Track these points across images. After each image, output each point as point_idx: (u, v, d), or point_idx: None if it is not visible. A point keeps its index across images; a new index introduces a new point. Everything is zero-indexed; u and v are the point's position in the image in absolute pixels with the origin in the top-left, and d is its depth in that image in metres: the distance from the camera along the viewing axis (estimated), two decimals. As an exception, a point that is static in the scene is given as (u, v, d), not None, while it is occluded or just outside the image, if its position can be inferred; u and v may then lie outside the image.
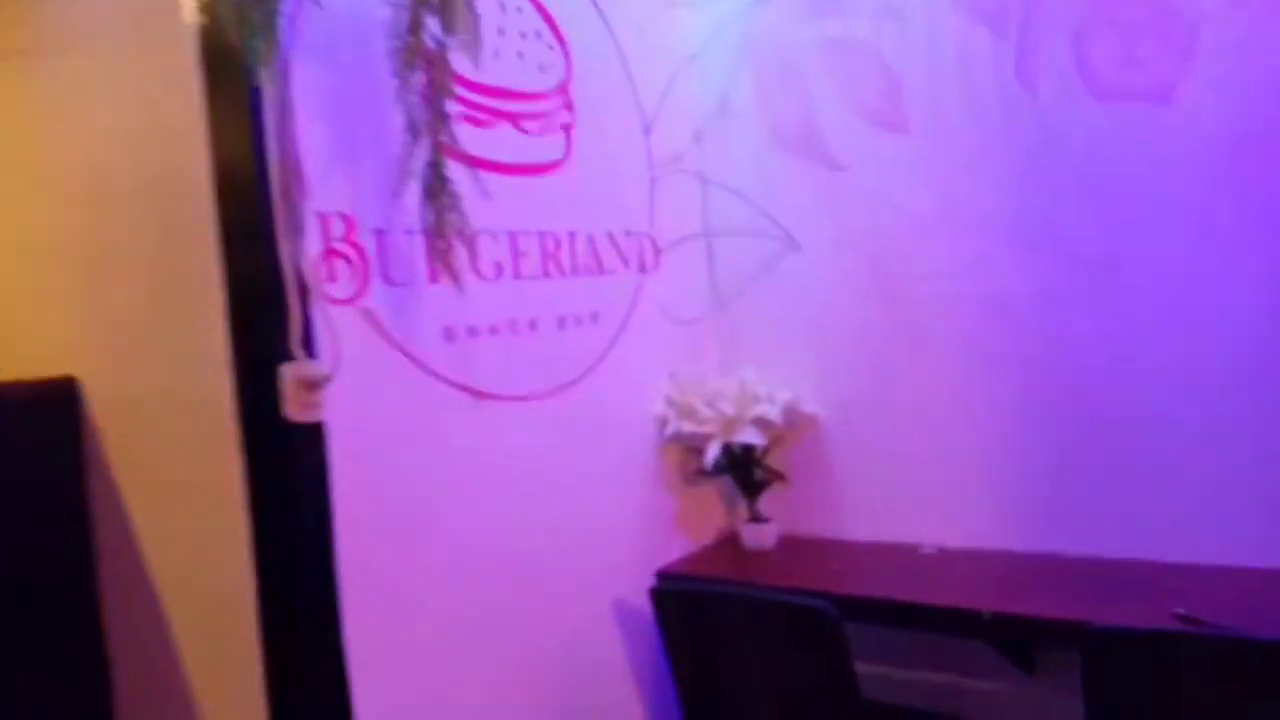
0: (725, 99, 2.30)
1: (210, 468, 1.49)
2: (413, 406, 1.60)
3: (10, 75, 1.69)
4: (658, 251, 2.21)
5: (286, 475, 1.43)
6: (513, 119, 1.79)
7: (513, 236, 1.80)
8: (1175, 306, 1.82)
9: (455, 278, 1.59)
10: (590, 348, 2.00)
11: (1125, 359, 1.87)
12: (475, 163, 1.66)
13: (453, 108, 1.56)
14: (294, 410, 1.41)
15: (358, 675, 1.47)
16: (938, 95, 2.02)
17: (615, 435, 2.06)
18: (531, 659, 1.79)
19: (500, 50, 1.77)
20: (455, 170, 1.52)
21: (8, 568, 1.54)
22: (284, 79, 1.39)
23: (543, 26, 1.90)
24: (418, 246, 1.59)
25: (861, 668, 1.64)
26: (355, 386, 1.50)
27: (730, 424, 2.10)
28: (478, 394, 1.72)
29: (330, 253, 1.48)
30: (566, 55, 1.94)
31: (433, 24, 1.43)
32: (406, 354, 1.59)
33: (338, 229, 1.49)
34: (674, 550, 2.19)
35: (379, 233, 1.55)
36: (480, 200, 1.67)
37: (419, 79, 1.37)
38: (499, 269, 1.77)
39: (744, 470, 2.20)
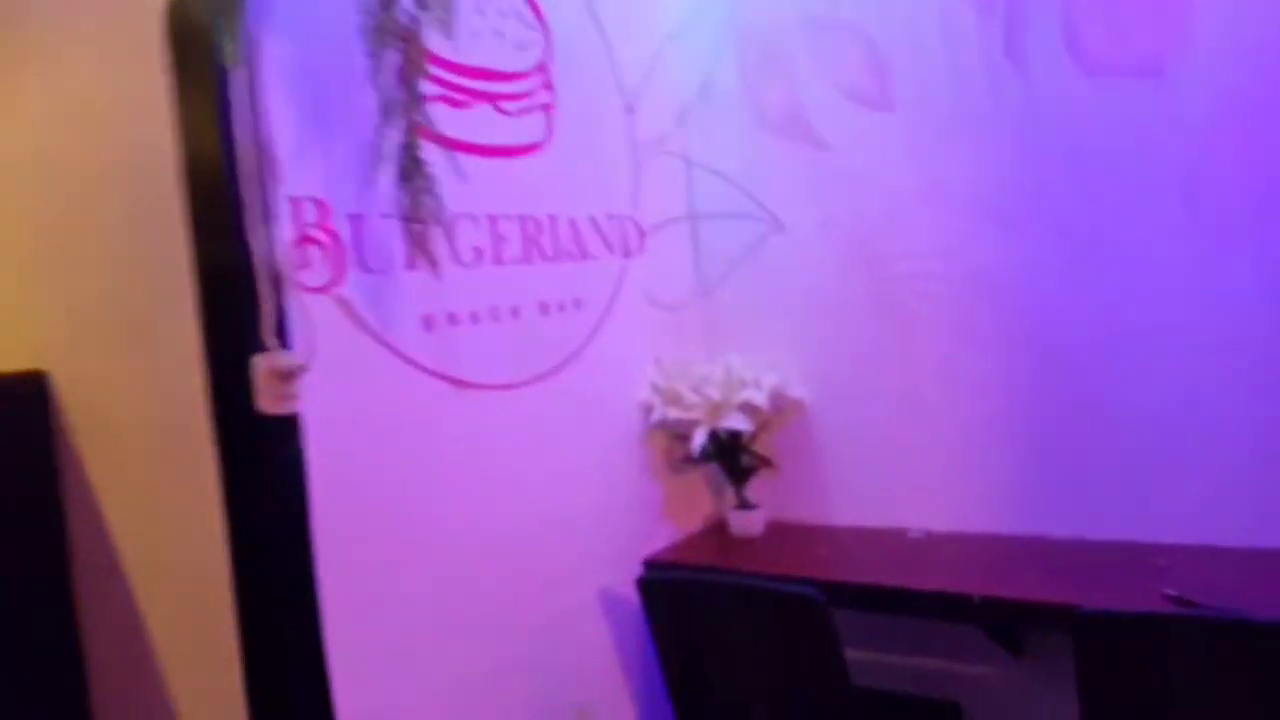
0: (709, 79, 2.26)
1: (183, 463, 1.45)
2: (392, 397, 1.56)
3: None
4: (642, 235, 2.17)
5: (261, 469, 1.40)
6: (491, 99, 1.74)
7: (493, 220, 1.76)
8: (1163, 284, 1.80)
9: (433, 264, 1.55)
10: (574, 334, 1.96)
11: (1112, 338, 1.86)
12: (452, 144, 1.62)
13: (428, 88, 1.52)
14: (268, 402, 1.37)
15: (338, 671, 1.43)
16: (923, 73, 1.99)
17: (600, 423, 2.03)
18: (518, 651, 1.76)
19: (478, 29, 1.72)
20: (431, 152, 1.48)
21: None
22: (253, 58, 1.34)
23: (521, 5, 1.85)
24: (395, 232, 1.55)
25: (850, 654, 1.62)
26: (331, 377, 1.46)
27: (716, 410, 2.08)
28: (459, 383, 1.68)
29: (303, 239, 1.44)
30: (546, 34, 1.90)
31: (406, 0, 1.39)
32: (384, 343, 1.55)
33: (311, 214, 1.45)
34: (661, 538, 2.17)
35: (354, 218, 1.50)
36: (458, 183, 1.63)
37: (392, 57, 1.33)
38: (479, 254, 1.73)
39: (731, 456, 2.18)
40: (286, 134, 1.40)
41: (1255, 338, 1.73)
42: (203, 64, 1.34)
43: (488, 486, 1.72)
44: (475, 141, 1.70)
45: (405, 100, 1.33)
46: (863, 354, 2.14)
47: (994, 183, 1.94)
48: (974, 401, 2.01)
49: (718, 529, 2.28)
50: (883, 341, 2.11)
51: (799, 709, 1.71)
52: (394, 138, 1.38)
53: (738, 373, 2.13)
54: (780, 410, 2.19)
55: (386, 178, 1.44)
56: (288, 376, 1.38)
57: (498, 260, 1.77)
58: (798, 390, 2.19)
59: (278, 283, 1.37)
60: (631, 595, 1.86)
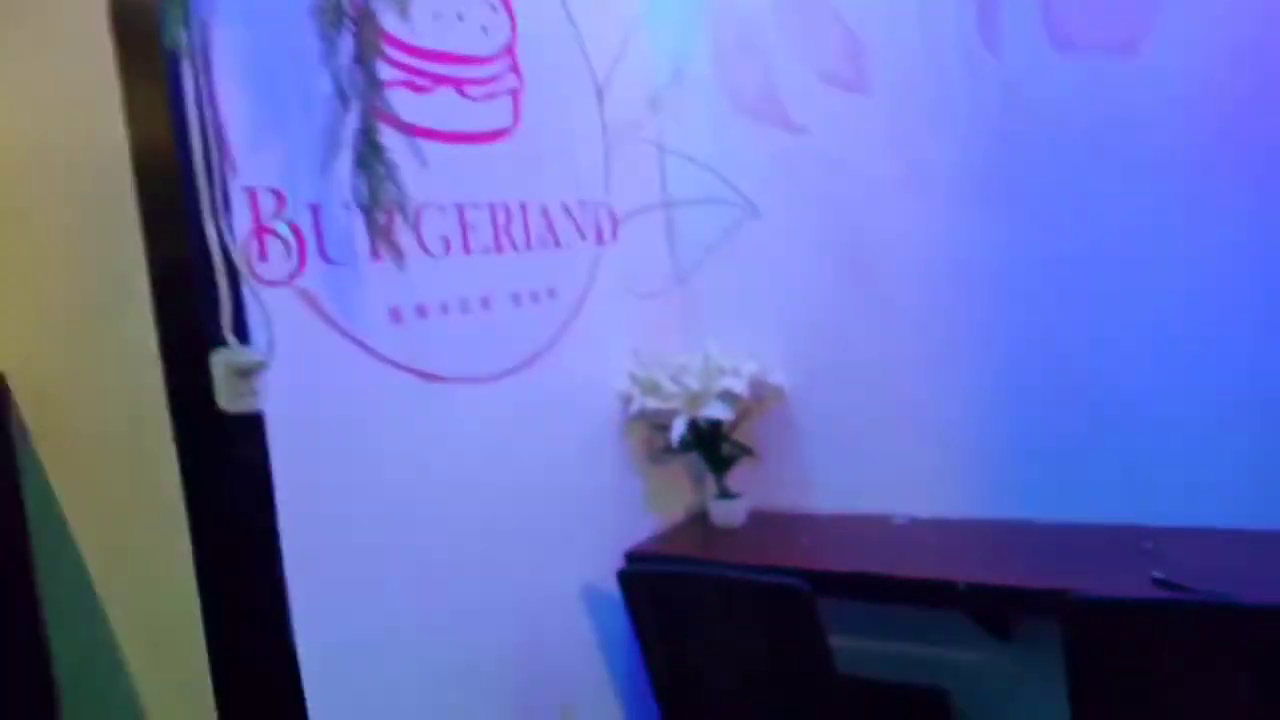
0: (681, 62, 2.22)
1: (144, 464, 1.41)
2: (358, 392, 1.52)
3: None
4: (615, 222, 2.12)
5: (223, 470, 1.35)
6: (455, 84, 1.69)
7: (460, 209, 1.71)
8: (1145, 266, 1.78)
9: (398, 254, 1.51)
10: (548, 325, 1.92)
11: (1097, 321, 1.83)
12: (415, 131, 1.57)
13: (387, 72, 1.47)
14: (227, 400, 1.33)
15: (310, 672, 1.39)
16: (899, 55, 1.95)
17: (577, 415, 1.99)
18: (496, 648, 1.73)
19: (440, 11, 1.67)
20: (392, 139, 1.43)
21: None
22: (203, 43, 1.29)
23: (486, -14, 1.80)
24: (357, 222, 1.50)
25: (836, 641, 1.59)
26: (294, 373, 1.41)
27: (695, 399, 2.04)
28: (429, 377, 1.64)
29: (261, 230, 1.39)
30: (511, 16, 1.84)
31: (360, -20, 1.34)
32: (350, 337, 1.51)
33: (269, 205, 1.40)
34: (643, 530, 2.13)
35: (314, 208, 1.45)
36: (423, 171, 1.58)
37: (346, 40, 1.27)
38: (447, 244, 1.68)
39: (711, 446, 2.14)
40: (240, 122, 1.35)
41: (1241, 320, 1.70)
42: (150, 50, 1.28)
43: (462, 482, 1.68)
44: (440, 128, 1.65)
45: (361, 84, 1.28)
46: (843, 339, 2.11)
47: (972, 165, 1.91)
48: (958, 386, 1.99)
49: (700, 519, 2.24)
50: (863, 326, 2.08)
51: (785, 700, 1.68)
52: (351, 124, 1.33)
53: (716, 361, 2.09)
54: (760, 398, 2.16)
55: (344, 166, 1.39)
56: (247, 373, 1.34)
57: (467, 250, 1.72)
58: (778, 377, 2.16)
59: (235, 276, 1.32)
60: (614, 588, 1.82)
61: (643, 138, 2.20)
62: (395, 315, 1.58)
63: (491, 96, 1.78)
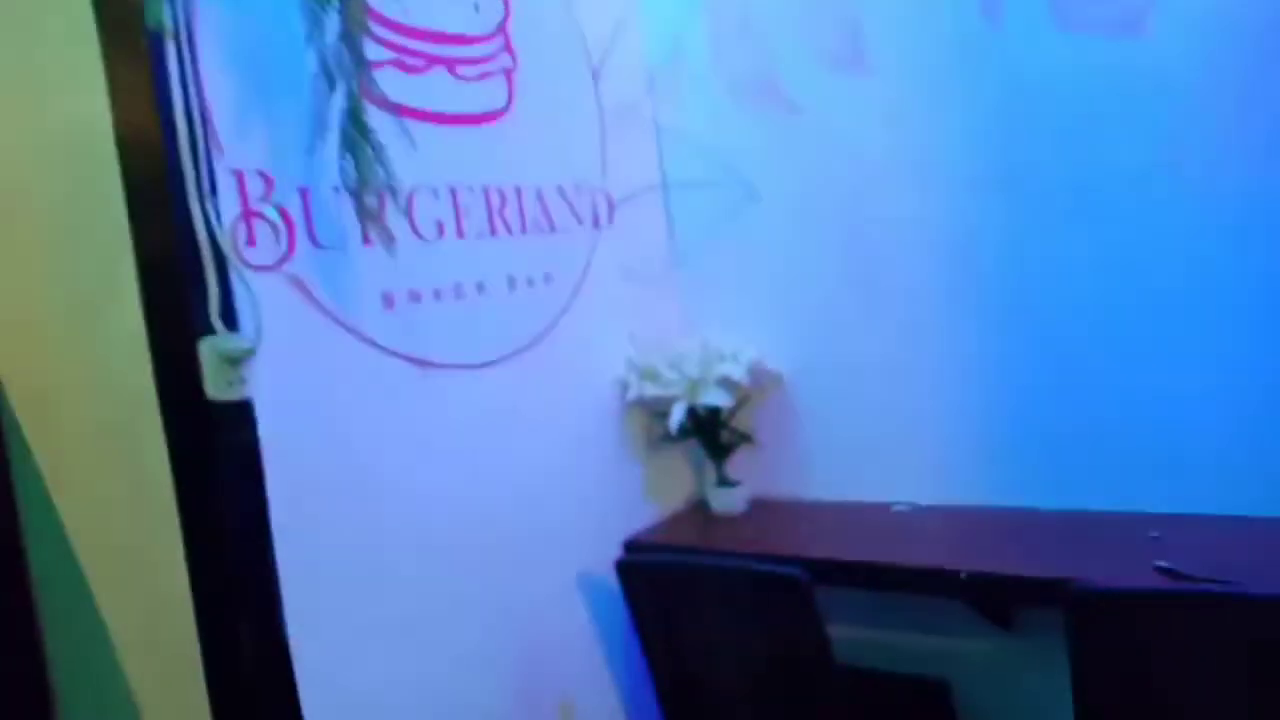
0: (678, 42, 2.18)
1: (134, 455, 1.38)
2: (350, 379, 1.50)
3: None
4: (611, 206, 2.09)
5: (213, 459, 1.33)
6: (447, 64, 1.66)
7: (453, 192, 1.68)
8: (1150, 248, 1.74)
9: (389, 238, 1.48)
10: (544, 310, 1.89)
11: (1100, 305, 1.79)
12: (406, 112, 1.54)
13: (377, 51, 1.44)
14: (216, 389, 1.30)
15: (303, 666, 1.38)
16: (899, 33, 1.91)
17: (574, 402, 1.96)
18: (493, 638, 1.71)
19: (431, -10, 1.64)
20: (383, 120, 1.40)
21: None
22: (187, 22, 1.25)
23: (478, -35, 1.77)
24: (347, 205, 1.47)
25: (836, 630, 1.57)
26: (285, 360, 1.39)
27: (694, 386, 2.02)
28: (422, 363, 1.61)
29: (249, 214, 1.36)
30: (505, -4, 1.81)
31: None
32: (340, 323, 1.48)
33: (257, 188, 1.37)
34: (642, 518, 2.11)
35: (304, 191, 1.43)
36: (414, 153, 1.55)
37: (332, 17, 1.24)
38: (440, 228, 1.65)
39: (710, 433, 2.12)
40: (226, 103, 1.33)
41: (1246, 304, 1.67)
42: (133, 31, 1.25)
43: (457, 470, 1.66)
44: (431, 109, 1.62)
45: (347, 63, 1.25)
46: (844, 325, 2.08)
47: (974, 146, 1.87)
48: (959, 372, 1.95)
49: (700, 508, 2.22)
50: (864, 312, 2.05)
51: (784, 689, 1.67)
52: (337, 104, 1.30)
53: (715, 347, 2.06)
54: (760, 384, 2.14)
55: (333, 147, 1.35)
56: (236, 361, 1.31)
57: (460, 234, 1.69)
58: (777, 363, 2.13)
59: (222, 262, 1.30)
60: (613, 578, 1.80)
61: (639, 119, 2.17)
62: (387, 301, 1.56)
63: (484, 77, 1.74)
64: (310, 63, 1.30)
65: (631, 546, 2.02)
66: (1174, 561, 1.50)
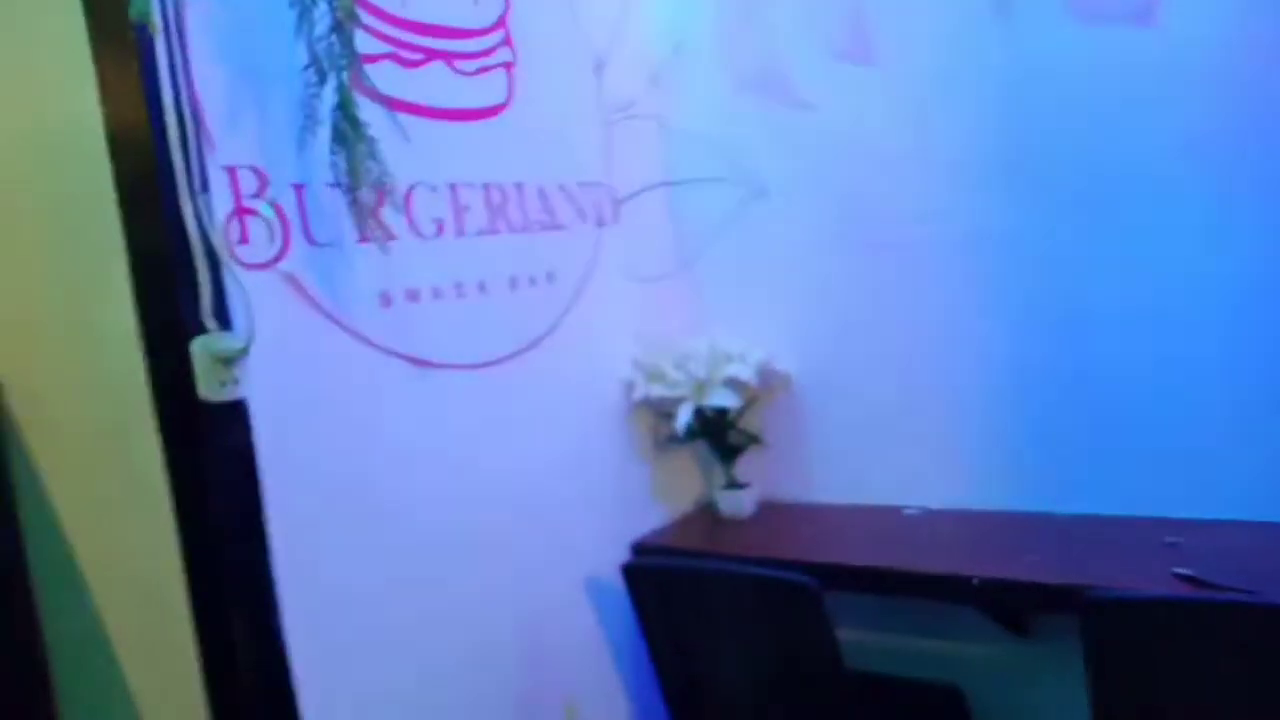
0: (682, 35, 2.14)
1: (129, 456, 1.36)
2: (347, 379, 1.47)
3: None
4: (616, 203, 2.06)
5: (206, 461, 1.30)
6: (445, 58, 1.63)
7: (453, 189, 1.65)
8: (1167, 242, 1.69)
9: (386, 236, 1.45)
10: (547, 309, 1.86)
11: (1116, 304, 1.75)
12: (403, 107, 1.52)
13: (373, 45, 1.41)
14: (208, 389, 1.28)
15: (301, 670, 1.35)
16: (907, 25, 1.87)
17: (579, 403, 1.93)
18: (497, 641, 1.68)
19: (429, -17, 1.61)
20: (376, 114, 1.37)
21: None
22: (176, 14, 1.23)
23: (478, -43, 1.73)
24: (343, 202, 1.44)
25: (846, 635, 1.54)
26: (280, 360, 1.37)
27: (701, 386, 1.98)
28: (421, 363, 1.58)
29: (242, 211, 1.33)
30: (505, -12, 1.78)
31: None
32: (337, 322, 1.45)
33: (250, 184, 1.34)
34: (649, 521, 2.07)
35: (299, 187, 1.40)
36: (411, 149, 1.52)
37: (322, 9, 1.21)
38: (439, 226, 1.62)
39: (718, 434, 2.08)
40: (218, 97, 1.30)
41: (1265, 302, 1.62)
42: (122, 25, 1.23)
43: (458, 471, 1.63)
44: (429, 104, 1.59)
45: (338, 56, 1.22)
46: (854, 324, 2.03)
47: (985, 139, 1.82)
48: (972, 372, 1.91)
49: (708, 510, 2.18)
50: (874, 311, 2.00)
51: (793, 696, 1.63)
52: (329, 98, 1.27)
53: (722, 347, 2.03)
54: (768, 385, 2.10)
55: (323, 142, 1.32)
56: (229, 361, 1.29)
57: (460, 232, 1.66)
58: (786, 364, 2.09)
59: (214, 260, 1.27)
60: (619, 581, 1.76)
61: (644, 115, 2.13)
62: (385, 299, 1.53)
63: (484, 71, 1.71)
64: (300, 55, 1.27)
65: (639, 549, 1.99)
66: (1194, 568, 1.45)
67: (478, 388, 1.68)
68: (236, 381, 1.30)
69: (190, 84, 1.25)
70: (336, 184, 1.38)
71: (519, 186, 1.79)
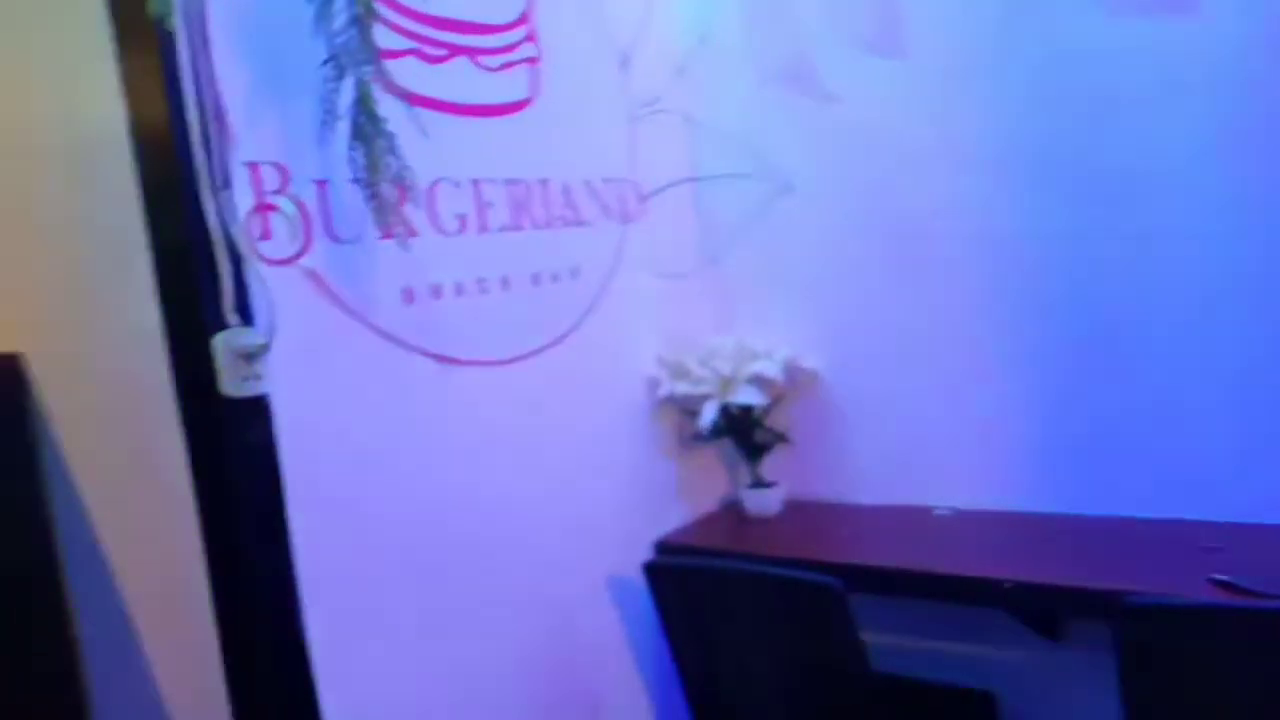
0: (708, 29, 2.12)
1: (153, 450, 1.36)
2: (370, 375, 1.46)
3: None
4: (641, 199, 2.04)
5: (228, 457, 1.30)
6: (468, 54, 1.62)
7: (476, 185, 1.64)
8: (1204, 237, 1.64)
9: (409, 232, 1.45)
10: (571, 306, 1.84)
11: (1151, 298, 1.70)
12: (425, 102, 1.51)
13: (395, 40, 1.41)
14: (231, 384, 1.28)
15: (324, 669, 1.35)
16: (937, 16, 1.83)
17: (602, 399, 1.91)
18: (519, 639, 1.67)
19: (452, -22, 1.60)
20: (400, 111, 1.36)
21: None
22: (198, 9, 1.23)
23: (501, -49, 1.72)
24: (385, 198, 1.43)
25: (876, 638, 1.51)
26: (302, 356, 1.36)
27: (727, 383, 1.96)
28: (444, 360, 1.57)
29: (264, 207, 1.33)
30: (529, -17, 1.77)
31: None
32: (359, 318, 1.45)
33: (272, 180, 1.34)
34: (673, 519, 2.06)
35: (321, 183, 1.40)
36: (435, 145, 1.52)
37: (339, 3, 1.21)
38: (462, 222, 1.62)
39: (744, 432, 2.06)
40: (239, 92, 1.30)
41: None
42: (145, 22, 1.23)
43: (480, 468, 1.62)
44: (453, 100, 1.59)
45: (356, 51, 1.21)
46: (882, 321, 2.00)
47: (1017, 134, 1.78)
48: (1003, 369, 1.87)
49: (733, 509, 2.16)
50: (903, 307, 1.97)
51: (818, 698, 1.60)
52: (347, 93, 1.26)
53: (748, 344, 2.00)
54: (795, 382, 2.07)
55: (344, 138, 1.32)
56: (251, 356, 1.29)
57: (483, 228, 1.65)
58: (813, 361, 2.06)
59: (236, 255, 1.27)
60: (643, 579, 1.75)
61: (669, 110, 2.11)
62: (408, 296, 1.52)
63: (508, 67, 1.70)
64: (321, 51, 1.27)
65: (662, 548, 1.97)
66: (1233, 575, 1.41)
67: (501, 384, 1.67)
68: (259, 377, 1.30)
69: (212, 80, 1.25)
70: (357, 180, 1.38)
71: (543, 182, 1.78)
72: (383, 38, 1.44)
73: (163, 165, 1.26)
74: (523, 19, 1.74)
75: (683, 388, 1.98)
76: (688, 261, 2.17)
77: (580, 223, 1.87)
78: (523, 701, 1.68)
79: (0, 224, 1.49)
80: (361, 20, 1.19)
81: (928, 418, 1.98)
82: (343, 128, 1.29)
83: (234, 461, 1.30)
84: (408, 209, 1.48)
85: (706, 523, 2.11)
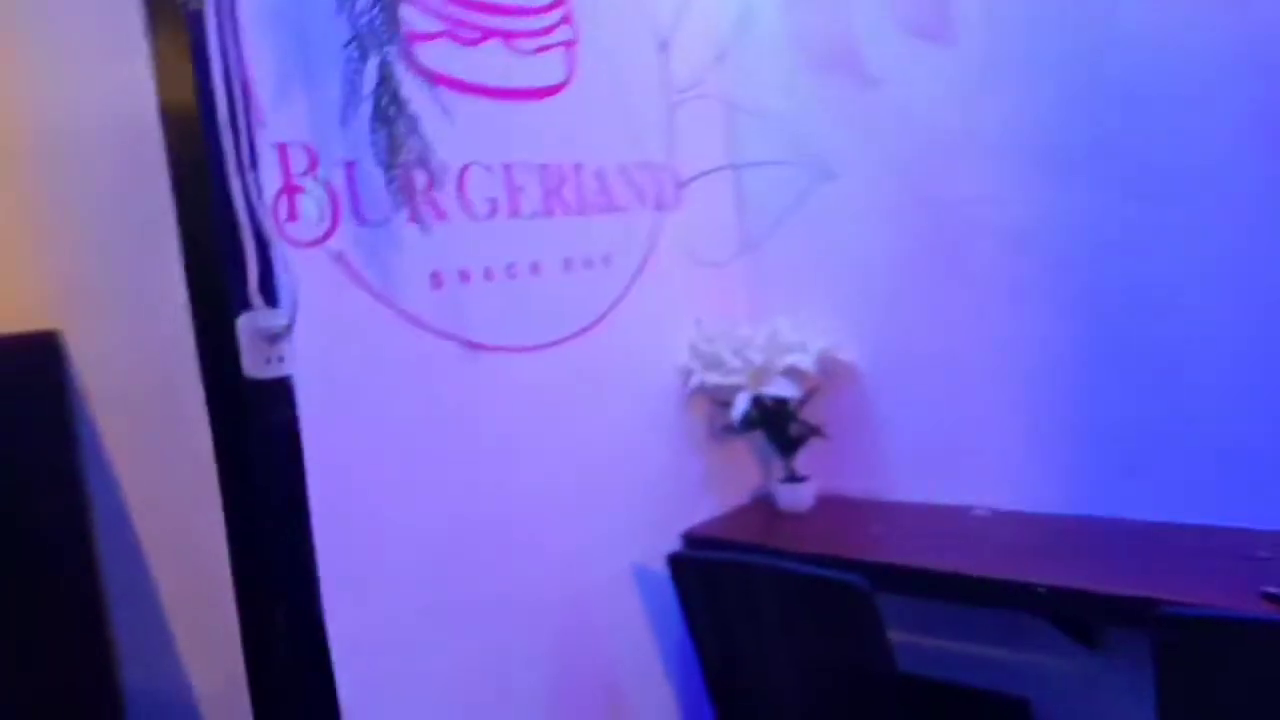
0: (749, 11, 2.07)
1: (180, 430, 1.37)
2: (395, 359, 1.46)
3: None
4: (678, 186, 2.00)
5: (250, 438, 1.31)
6: (503, 36, 1.60)
7: (508, 169, 1.62)
8: (1255, 232, 1.56)
9: (427, 215, 1.43)
10: (603, 293, 1.82)
11: (1203, 299, 1.62)
12: (457, 85, 1.50)
13: (427, 22, 1.39)
14: (253, 366, 1.28)
15: (339, 650, 1.35)
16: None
17: (633, 388, 1.89)
18: (543, 628, 1.67)
19: (486, -42, 1.58)
20: (426, 93, 1.35)
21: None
22: (227, -10, 1.23)
23: (537, -68, 1.70)
24: (405, 181, 1.42)
25: (907, 638, 1.48)
26: (327, 339, 1.36)
27: (759, 375, 1.92)
28: (471, 345, 1.57)
29: (291, 188, 1.33)
30: (565, -36, 1.74)
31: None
32: (385, 301, 1.45)
33: (300, 161, 1.34)
34: (702, 511, 2.03)
35: (349, 165, 1.39)
36: (467, 129, 1.50)
37: (365, -18, 1.20)
38: (493, 206, 1.60)
39: (777, 425, 2.02)
40: (268, 72, 1.30)
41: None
42: (172, 1, 1.23)
43: (506, 455, 1.61)
44: (485, 83, 1.57)
45: (380, 31, 1.20)
46: (922, 314, 1.94)
47: (1069, 122, 1.71)
48: (1047, 366, 1.80)
49: (765, 502, 2.13)
50: (944, 300, 1.91)
51: (843, 698, 1.57)
52: (371, 74, 1.25)
53: (784, 335, 1.96)
54: (831, 375, 2.02)
55: (367, 119, 1.31)
56: (274, 338, 1.29)
57: (514, 213, 1.64)
58: (850, 354, 2.01)
59: (261, 236, 1.27)
60: (668, 570, 1.73)
61: (707, 93, 2.06)
62: (436, 280, 1.52)
63: (543, 50, 1.68)
64: (347, 31, 1.26)
65: (690, 539, 1.95)
66: (1285, 586, 1.34)
67: (527, 371, 1.66)
68: (281, 359, 1.30)
69: (241, 61, 1.25)
70: (380, 161, 1.37)
71: (577, 167, 1.75)
72: (414, 19, 1.43)
73: (190, 146, 1.26)
74: (559, 1, 1.71)
75: (714, 378, 1.95)
76: (724, 249, 2.13)
77: (614, 209, 1.84)
78: (543, 687, 1.67)
79: (36, 204, 1.51)
80: (385, 0, 1.17)
81: (967, 414, 1.92)
82: (366, 109, 1.28)
83: (255, 443, 1.31)
84: (434, 193, 1.47)
85: (736, 516, 2.08)
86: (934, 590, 1.69)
